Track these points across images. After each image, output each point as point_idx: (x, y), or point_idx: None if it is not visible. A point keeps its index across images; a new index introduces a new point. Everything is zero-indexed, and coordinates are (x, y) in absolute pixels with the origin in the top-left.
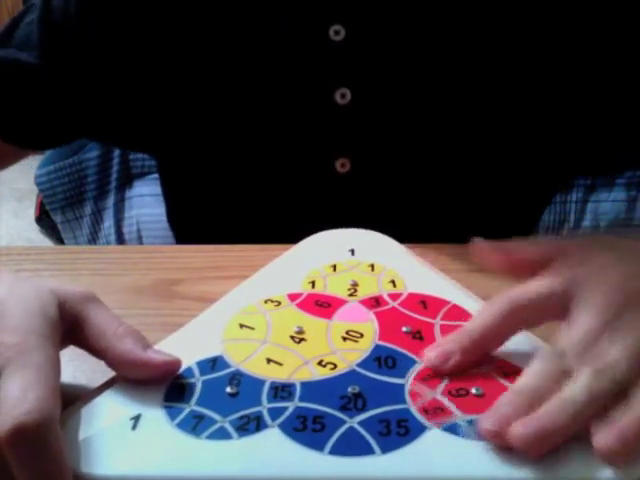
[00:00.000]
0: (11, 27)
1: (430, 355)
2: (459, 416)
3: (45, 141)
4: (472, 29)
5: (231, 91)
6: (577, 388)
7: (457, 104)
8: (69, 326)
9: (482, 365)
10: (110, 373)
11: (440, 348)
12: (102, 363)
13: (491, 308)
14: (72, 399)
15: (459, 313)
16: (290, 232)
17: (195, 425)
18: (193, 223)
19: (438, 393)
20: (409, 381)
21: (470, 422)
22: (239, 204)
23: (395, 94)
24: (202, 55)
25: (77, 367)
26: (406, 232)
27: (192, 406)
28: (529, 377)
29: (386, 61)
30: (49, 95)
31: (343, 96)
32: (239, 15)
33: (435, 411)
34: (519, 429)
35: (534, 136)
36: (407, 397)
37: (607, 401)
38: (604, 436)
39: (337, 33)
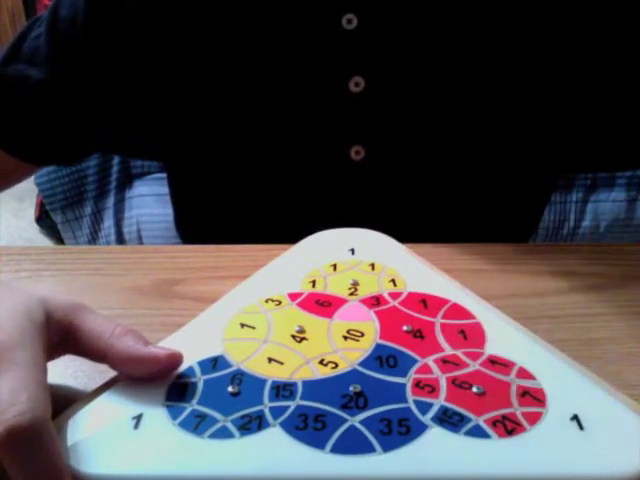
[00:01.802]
0: (19, 41)
1: None
2: (441, 402)
3: (57, 156)
4: (482, 19)
5: (245, 81)
6: None
7: (467, 92)
8: (61, 335)
9: (475, 361)
10: (111, 373)
11: None
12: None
13: None
14: (73, 399)
15: (459, 312)
16: (303, 223)
17: (197, 424)
18: (202, 223)
19: (443, 376)
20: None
21: (444, 410)
22: (252, 196)
23: (408, 82)
24: (214, 47)
25: (77, 367)
26: (409, 229)
27: (194, 405)
28: None
29: (399, 49)
30: (60, 110)
31: (357, 84)
32: (251, 7)
33: (425, 388)
34: None
35: (537, 131)
36: (408, 396)
37: None
38: None
39: (350, 22)
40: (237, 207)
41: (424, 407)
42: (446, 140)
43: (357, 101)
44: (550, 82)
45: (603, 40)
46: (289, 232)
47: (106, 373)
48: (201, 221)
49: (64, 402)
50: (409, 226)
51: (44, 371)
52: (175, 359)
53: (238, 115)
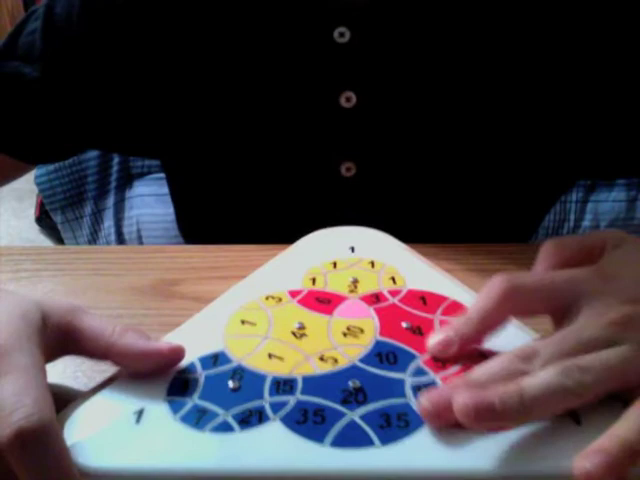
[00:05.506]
0: (14, 36)
1: (431, 343)
2: None
3: (52, 154)
4: (477, 33)
5: (236, 96)
6: (536, 381)
7: (461, 107)
8: (60, 337)
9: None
10: (110, 372)
11: (441, 337)
12: (102, 362)
13: (488, 292)
14: (73, 399)
15: (458, 309)
16: (294, 234)
17: (198, 419)
18: (200, 224)
19: (437, 378)
20: (410, 376)
21: None
22: (245, 207)
23: (400, 97)
24: (207, 60)
25: (77, 367)
26: (408, 233)
27: (195, 400)
28: (484, 369)
29: (391, 64)
30: (54, 108)
31: (348, 99)
32: (243, 19)
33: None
34: (461, 399)
35: (537, 139)
36: (407, 392)
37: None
38: (588, 461)
39: (342, 35)
40: (235, 208)
41: None
42: (439, 153)
43: (348, 116)
44: (545, 91)
45: (604, 46)
46: (288, 232)
47: (106, 372)
48: (201, 220)
49: (64, 402)
50: (407, 229)
51: (44, 373)
52: (178, 352)
53: (231, 122)
